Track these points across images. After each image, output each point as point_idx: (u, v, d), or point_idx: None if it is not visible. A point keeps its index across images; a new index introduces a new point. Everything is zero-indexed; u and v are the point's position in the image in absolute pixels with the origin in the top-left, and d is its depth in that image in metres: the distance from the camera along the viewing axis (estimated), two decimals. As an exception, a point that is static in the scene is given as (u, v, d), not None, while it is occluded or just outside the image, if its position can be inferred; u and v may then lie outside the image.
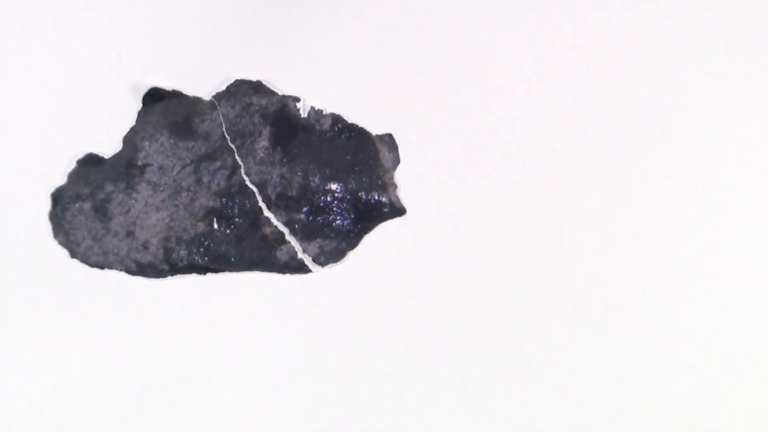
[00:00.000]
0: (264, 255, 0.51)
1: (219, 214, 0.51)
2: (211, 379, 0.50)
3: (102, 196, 0.51)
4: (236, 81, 0.52)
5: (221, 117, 0.51)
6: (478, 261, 0.51)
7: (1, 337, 0.50)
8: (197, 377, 0.50)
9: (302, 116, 0.51)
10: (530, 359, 0.51)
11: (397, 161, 0.52)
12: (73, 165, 0.51)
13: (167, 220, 0.51)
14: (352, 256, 0.51)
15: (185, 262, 0.50)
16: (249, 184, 0.51)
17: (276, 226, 0.51)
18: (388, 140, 0.52)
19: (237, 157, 0.51)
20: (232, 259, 0.51)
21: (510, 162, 0.52)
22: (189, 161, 0.51)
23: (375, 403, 0.50)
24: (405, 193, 0.51)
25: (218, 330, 0.51)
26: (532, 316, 0.51)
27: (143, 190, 0.51)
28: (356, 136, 0.51)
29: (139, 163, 0.51)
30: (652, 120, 0.52)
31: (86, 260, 0.51)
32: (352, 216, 0.51)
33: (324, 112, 0.52)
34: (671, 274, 0.51)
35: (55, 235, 0.51)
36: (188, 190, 0.51)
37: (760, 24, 0.52)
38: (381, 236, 0.51)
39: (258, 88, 0.51)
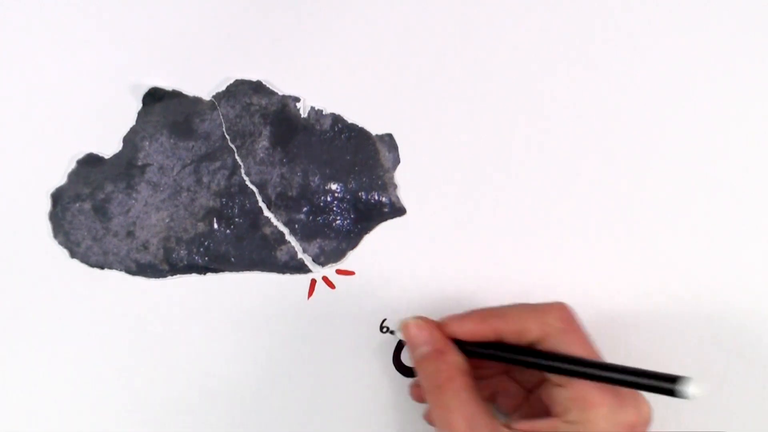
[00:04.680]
0: (264, 255, 0.51)
1: (219, 214, 0.51)
2: (210, 378, 0.50)
3: (102, 196, 0.51)
4: (236, 81, 0.52)
5: (221, 117, 0.51)
6: (478, 261, 0.51)
7: (1, 337, 0.50)
8: (197, 377, 0.50)
9: (302, 116, 0.51)
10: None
11: (397, 161, 0.52)
12: (73, 165, 0.51)
13: (167, 220, 0.51)
14: (352, 256, 0.51)
15: (185, 262, 0.50)
16: (249, 184, 0.51)
17: (276, 226, 0.51)
18: (388, 140, 0.52)
19: (237, 157, 0.51)
20: (232, 259, 0.51)
21: (509, 162, 0.52)
22: (189, 161, 0.51)
23: (375, 403, 0.50)
24: (405, 193, 0.51)
25: (218, 330, 0.51)
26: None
27: (143, 190, 0.51)
28: (356, 136, 0.51)
29: (139, 163, 0.51)
30: (651, 121, 0.52)
31: (86, 260, 0.51)
32: (352, 216, 0.51)
33: (324, 112, 0.52)
34: (672, 277, 0.51)
35: (55, 235, 0.51)
36: (188, 190, 0.51)
37: (761, 24, 0.52)
38: (381, 236, 0.51)
39: (258, 88, 0.51)
